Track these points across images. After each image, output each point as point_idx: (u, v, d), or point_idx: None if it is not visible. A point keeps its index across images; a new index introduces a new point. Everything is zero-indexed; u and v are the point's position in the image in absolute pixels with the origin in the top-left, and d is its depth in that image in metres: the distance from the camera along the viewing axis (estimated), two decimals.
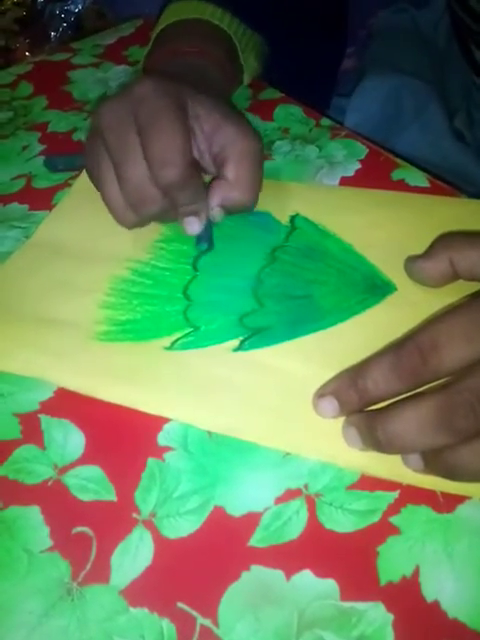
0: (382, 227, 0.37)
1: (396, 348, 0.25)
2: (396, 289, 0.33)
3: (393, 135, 0.55)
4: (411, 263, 0.32)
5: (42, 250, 0.39)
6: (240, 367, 0.31)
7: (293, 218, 0.38)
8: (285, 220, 0.38)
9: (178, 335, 0.32)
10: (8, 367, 0.32)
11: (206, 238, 0.36)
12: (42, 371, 0.32)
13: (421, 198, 0.39)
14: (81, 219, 0.41)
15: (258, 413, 0.29)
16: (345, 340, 0.31)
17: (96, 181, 0.36)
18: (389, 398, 0.26)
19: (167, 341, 0.32)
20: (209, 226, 0.36)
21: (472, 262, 0.30)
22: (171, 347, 0.32)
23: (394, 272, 0.34)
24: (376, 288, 0.33)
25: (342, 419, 0.27)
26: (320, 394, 0.27)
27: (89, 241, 0.39)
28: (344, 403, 0.26)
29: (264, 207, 0.38)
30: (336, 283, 0.34)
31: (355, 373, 0.26)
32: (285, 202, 0.39)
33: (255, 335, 0.32)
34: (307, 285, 0.34)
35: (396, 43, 0.63)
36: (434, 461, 0.24)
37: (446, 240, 0.31)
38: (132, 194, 0.34)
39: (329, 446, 0.27)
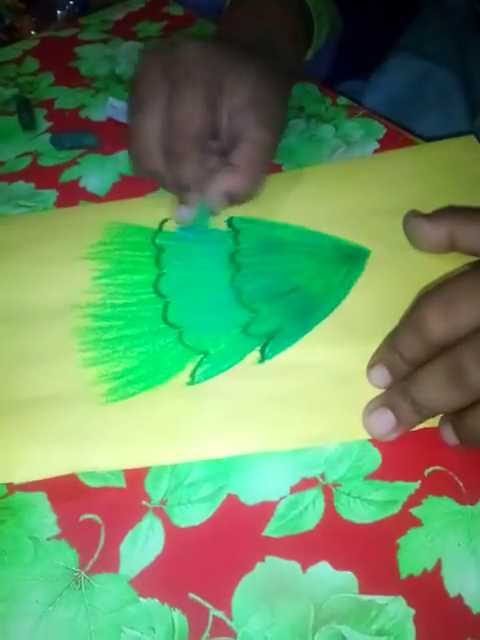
0: (324, 202, 0.36)
1: (412, 312, 0.26)
2: (370, 252, 0.33)
3: (413, 120, 0.53)
4: (412, 220, 0.32)
5: None
6: (274, 375, 0.28)
7: (230, 221, 0.36)
8: (222, 226, 0.36)
9: (191, 366, 0.29)
10: (25, 476, 0.26)
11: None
12: (66, 464, 0.26)
13: (356, 161, 0.39)
14: (4, 279, 0.35)
15: (313, 410, 0.27)
16: (356, 312, 0.30)
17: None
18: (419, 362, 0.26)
19: (184, 376, 0.29)
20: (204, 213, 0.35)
21: (475, 237, 0.30)
22: (193, 381, 0.29)
23: (357, 240, 0.33)
24: (353, 257, 0.33)
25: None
26: (370, 365, 0.28)
27: (23, 301, 0.33)
28: (391, 368, 0.27)
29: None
30: (312, 266, 0.33)
31: (391, 338, 0.27)
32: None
33: (271, 341, 0.30)
34: (287, 278, 0.32)
35: (421, 29, 0.61)
36: (460, 429, 0.25)
37: (449, 212, 0.31)
38: (136, 148, 0.34)
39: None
